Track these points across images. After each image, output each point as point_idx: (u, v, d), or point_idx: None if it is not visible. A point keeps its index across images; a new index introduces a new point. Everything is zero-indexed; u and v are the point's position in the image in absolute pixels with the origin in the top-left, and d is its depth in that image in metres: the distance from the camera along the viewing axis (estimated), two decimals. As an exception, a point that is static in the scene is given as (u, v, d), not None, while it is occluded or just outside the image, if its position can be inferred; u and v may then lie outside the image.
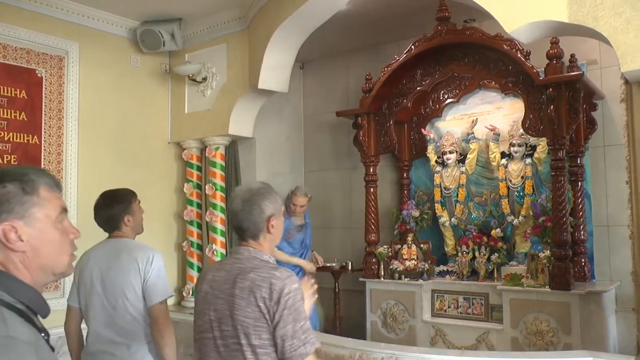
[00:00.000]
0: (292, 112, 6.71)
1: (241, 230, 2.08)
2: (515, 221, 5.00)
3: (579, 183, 4.84)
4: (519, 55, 4.46)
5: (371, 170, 5.47)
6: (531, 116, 4.55)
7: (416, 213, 5.50)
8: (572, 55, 4.56)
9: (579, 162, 4.84)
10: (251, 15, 5.08)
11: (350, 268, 5.75)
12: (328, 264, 5.77)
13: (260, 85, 4.99)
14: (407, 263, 5.17)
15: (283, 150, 6.54)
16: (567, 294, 4.22)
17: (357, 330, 5.31)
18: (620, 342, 4.59)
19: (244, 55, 5.25)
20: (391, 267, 5.21)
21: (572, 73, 4.36)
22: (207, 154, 5.57)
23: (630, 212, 3.31)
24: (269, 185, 2.15)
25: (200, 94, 5.56)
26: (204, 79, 5.53)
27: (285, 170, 6.49)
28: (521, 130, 4.79)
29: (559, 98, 4.28)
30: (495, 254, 4.95)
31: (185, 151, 5.69)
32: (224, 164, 5.53)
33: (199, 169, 5.70)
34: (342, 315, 5.76)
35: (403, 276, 5.15)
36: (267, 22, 4.84)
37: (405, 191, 5.83)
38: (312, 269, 5.10)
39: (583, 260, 4.72)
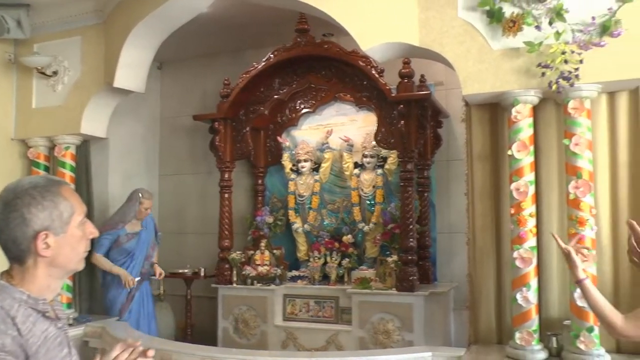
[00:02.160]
0: (148, 114, 6.50)
1: (3, 249, 1.48)
2: (366, 228, 5.26)
3: (425, 193, 5.23)
4: (373, 72, 4.71)
5: (226, 175, 5.46)
6: (383, 130, 4.82)
7: (270, 219, 5.57)
8: (422, 76, 4.93)
9: (425, 174, 5.23)
10: (108, 9, 4.84)
11: (203, 274, 5.69)
12: (180, 270, 5.65)
13: (116, 84, 4.77)
14: (260, 268, 5.22)
15: (138, 152, 6.31)
16: (412, 295, 4.53)
17: (209, 338, 5.26)
18: (457, 337, 5.02)
19: (100, 50, 4.99)
20: (244, 272, 5.23)
21: (422, 92, 4.70)
22: (56, 153, 5.17)
23: (468, 221, 3.63)
24: (53, 183, 1.52)
25: (50, 88, 5.16)
26: (55, 72, 5.15)
27: (140, 173, 6.26)
28: (373, 143, 5.05)
29: (409, 114, 4.59)
30: (346, 259, 5.17)
31: (31, 149, 5.24)
32: (74, 164, 5.17)
33: (47, 169, 5.28)
34: (193, 322, 5.67)
35: (256, 281, 5.19)
36: (125, 17, 4.65)
37: (260, 197, 5.89)
38: (129, 281, 4.90)
39: (427, 264, 5.09)
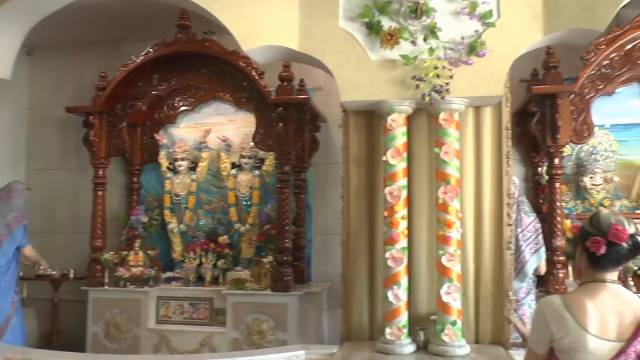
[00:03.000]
0: (14, 103, 6.04)
1: None
2: (242, 228, 5.27)
3: (302, 195, 5.34)
4: (253, 73, 4.74)
5: (100, 172, 5.22)
6: (261, 131, 4.86)
7: (145, 219, 5.41)
8: (302, 80, 5.03)
9: (302, 176, 5.33)
10: (-32, -11, 4.42)
11: (72, 276, 5.39)
12: (47, 272, 5.31)
13: (-23, 68, 4.37)
14: (134, 270, 5.06)
15: (1, 145, 5.83)
16: (287, 295, 4.60)
17: (77, 344, 4.99)
18: (330, 335, 5.17)
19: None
20: (117, 274, 5.03)
21: (301, 96, 4.80)
22: None
23: (343, 222, 3.77)
24: None
25: None
26: None
27: (3, 167, 5.79)
28: (252, 144, 5.08)
29: (287, 117, 4.67)
30: (222, 259, 5.15)
31: None
32: None
33: None
34: (60, 328, 5.35)
35: (129, 283, 5.01)
36: (-12, 0, 4.28)
37: (135, 196, 5.69)
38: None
39: (302, 264, 5.20)
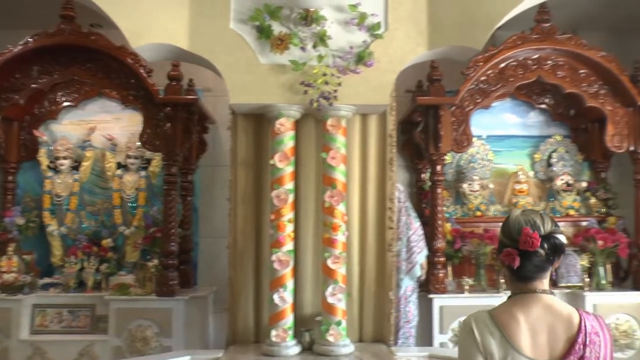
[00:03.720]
0: None
1: None
2: (127, 231, 5.08)
3: (189, 198, 5.23)
4: (141, 70, 4.58)
5: (-31, 170, 4.83)
6: (149, 131, 4.71)
7: (21, 221, 5.05)
8: (191, 80, 4.94)
9: (189, 178, 5.23)
10: None
11: None
12: None
13: None
14: (6, 276, 4.70)
15: None
16: (172, 300, 4.49)
17: None
18: (216, 339, 5.10)
19: None
20: (-14, 281, 4.67)
21: (189, 97, 4.71)
22: None
23: (229, 225, 3.75)
24: None
25: None
26: None
27: None
28: (138, 143, 4.91)
29: (175, 117, 4.57)
30: (105, 264, 4.93)
31: None
32: None
33: None
34: None
35: (0, 291, 4.67)
36: None
37: (10, 196, 5.29)
38: None
39: (188, 268, 5.10)
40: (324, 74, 3.38)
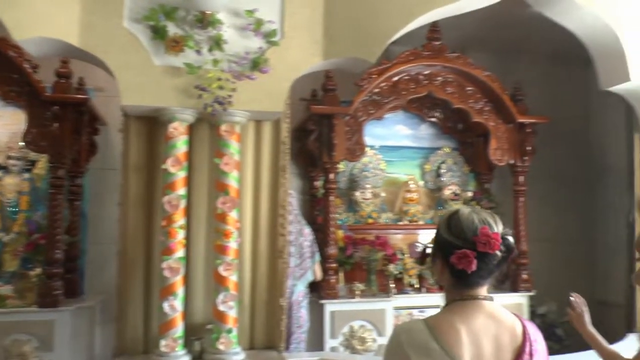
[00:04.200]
0: None
1: None
2: (7, 238, 4.74)
3: (77, 202, 4.96)
4: (26, 65, 4.32)
5: None
6: (34, 130, 4.43)
7: None
8: (81, 79, 4.70)
9: (78, 182, 4.97)
10: None
11: None
12: None
13: None
14: None
15: None
16: (55, 311, 4.24)
17: None
18: (102, 350, 4.87)
19: None
20: None
21: (79, 96, 4.49)
22: None
23: (119, 231, 3.62)
24: None
25: None
26: None
27: None
28: (21, 144, 4.61)
29: (64, 117, 4.33)
30: (-21, 273, 4.60)
31: None
32: None
33: None
34: None
35: None
36: None
37: None
38: None
39: (75, 277, 4.83)
40: (219, 79, 3.35)
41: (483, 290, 1.55)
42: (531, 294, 4.80)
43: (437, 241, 1.60)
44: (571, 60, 5.35)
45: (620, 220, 5.56)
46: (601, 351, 2.30)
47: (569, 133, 5.93)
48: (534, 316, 5.01)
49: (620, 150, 5.55)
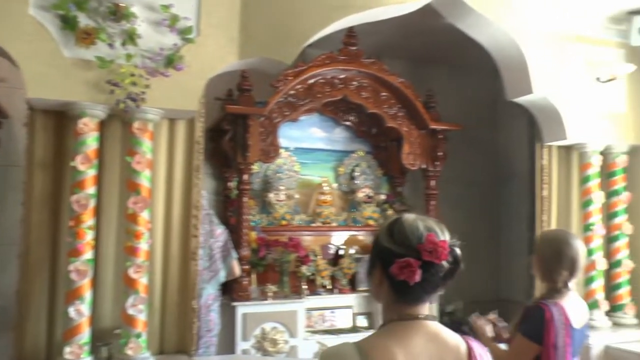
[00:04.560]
0: None
1: None
2: None
3: (-28, 200, 4.66)
4: None
5: None
6: None
7: None
8: (-20, 69, 4.42)
9: (-26, 178, 4.67)
10: None
11: None
12: None
13: None
14: None
15: None
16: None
17: None
18: (-3, 361, 4.59)
19: None
20: None
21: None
22: None
23: (22, 232, 3.42)
24: None
25: None
26: None
27: None
28: None
29: (-41, 109, 4.07)
30: None
31: None
32: None
33: None
34: None
35: None
36: None
37: None
38: None
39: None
40: (132, 74, 3.24)
41: (425, 309, 1.41)
42: (440, 293, 4.96)
43: (375, 250, 1.45)
44: (481, 71, 5.61)
45: (523, 223, 5.91)
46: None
47: (478, 140, 6.22)
48: (442, 314, 5.21)
49: (524, 158, 5.89)
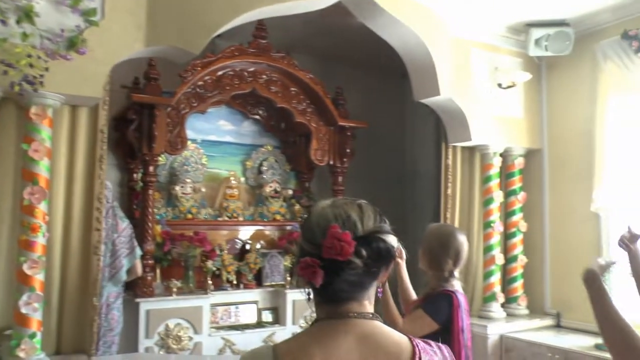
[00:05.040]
0: None
1: None
2: None
3: None
4: None
5: None
6: None
7: None
8: None
9: None
10: None
11: None
12: None
13: None
14: None
15: None
16: None
17: None
18: None
19: None
20: None
21: None
22: None
23: None
24: None
25: None
26: None
27: None
28: None
29: None
30: None
31: None
32: None
33: None
34: None
35: None
36: None
37: None
38: None
39: None
40: (29, 55, 3.01)
41: (358, 306, 1.21)
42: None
43: (298, 246, 1.29)
44: (391, 71, 5.73)
45: (428, 219, 6.11)
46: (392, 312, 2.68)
47: (386, 138, 6.37)
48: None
49: (430, 157, 6.11)
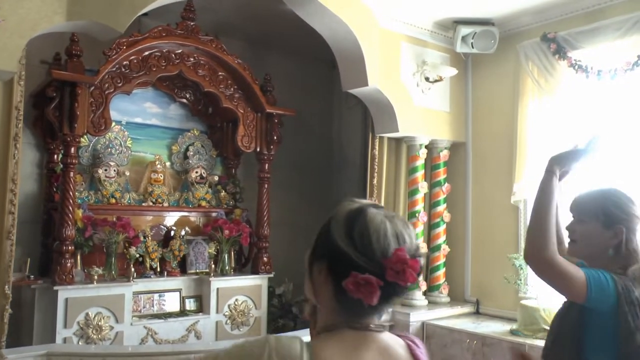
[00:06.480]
0: None
1: None
2: None
3: None
4: None
5: None
6: None
7: None
8: None
9: None
10: None
11: None
12: None
13: None
14: None
15: None
16: None
17: None
18: None
19: None
20: None
21: None
22: None
23: None
24: None
25: None
26: None
27: None
28: None
29: None
30: None
31: None
32: None
33: None
34: None
35: None
36: None
37: None
38: None
39: None
40: None
41: (375, 318, 1.17)
42: (270, 275, 5.03)
43: (324, 245, 1.17)
44: (320, 59, 5.74)
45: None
46: None
47: (314, 127, 6.39)
48: (272, 296, 5.28)
49: (357, 147, 6.17)
